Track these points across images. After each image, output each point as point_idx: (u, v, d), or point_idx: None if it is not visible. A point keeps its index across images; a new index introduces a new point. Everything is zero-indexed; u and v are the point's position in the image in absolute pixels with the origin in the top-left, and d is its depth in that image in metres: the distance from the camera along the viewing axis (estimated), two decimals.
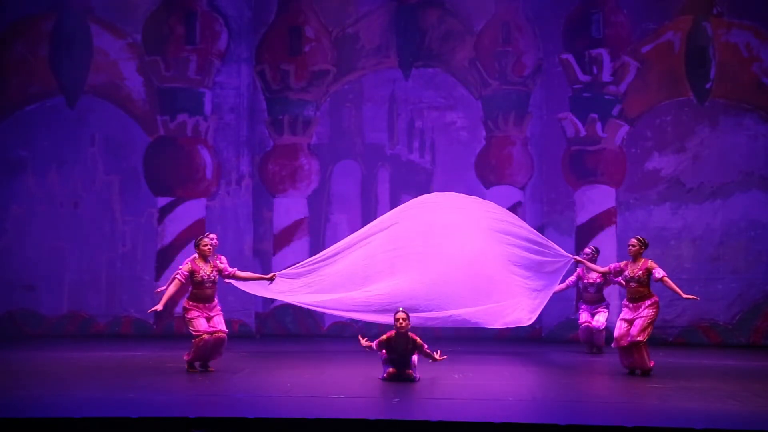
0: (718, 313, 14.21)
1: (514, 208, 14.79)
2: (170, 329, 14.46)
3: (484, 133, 15.30)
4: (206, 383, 9.47)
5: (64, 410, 7.59)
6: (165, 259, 14.72)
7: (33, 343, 13.50)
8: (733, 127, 14.41)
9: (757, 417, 7.76)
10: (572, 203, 14.73)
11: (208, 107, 14.99)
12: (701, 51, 14.48)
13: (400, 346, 9.49)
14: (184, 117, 14.89)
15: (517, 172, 15.23)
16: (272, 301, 13.88)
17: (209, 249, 10.24)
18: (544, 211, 14.93)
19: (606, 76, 14.61)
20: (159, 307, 9.96)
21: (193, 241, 10.49)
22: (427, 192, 14.83)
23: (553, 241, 12.44)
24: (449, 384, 9.42)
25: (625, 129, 14.65)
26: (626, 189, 14.58)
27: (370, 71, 15.45)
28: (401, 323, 9.40)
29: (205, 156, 14.96)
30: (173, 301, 11.23)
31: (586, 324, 12.49)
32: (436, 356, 9.69)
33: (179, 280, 10.10)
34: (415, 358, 9.58)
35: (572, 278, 12.57)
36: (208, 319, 10.10)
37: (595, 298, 12.59)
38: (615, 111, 14.62)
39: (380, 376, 9.59)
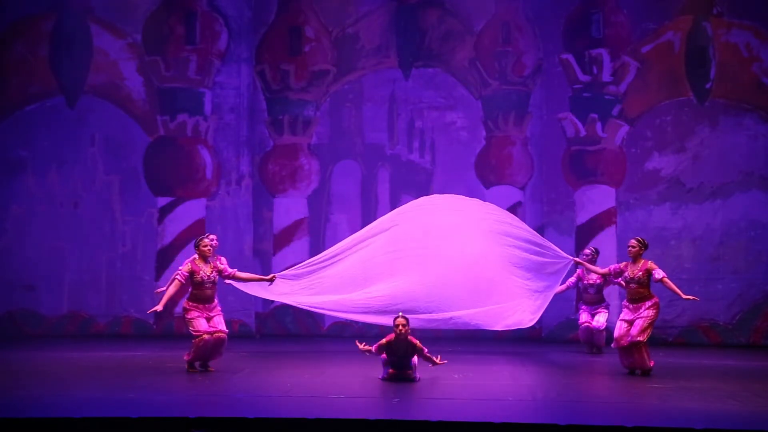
0: (718, 313, 14.21)
1: (514, 208, 14.80)
2: (170, 329, 14.47)
3: (484, 133, 15.30)
4: (206, 383, 9.47)
5: (64, 410, 7.59)
6: (165, 259, 14.72)
7: (33, 343, 13.50)
8: (733, 127, 14.41)
9: (757, 417, 7.76)
10: (572, 203, 14.73)
11: (208, 107, 14.99)
12: (701, 51, 14.48)
13: (400, 350, 9.48)
14: (184, 117, 14.89)
15: (517, 172, 15.23)
16: (272, 301, 13.88)
17: (209, 250, 10.24)
18: (544, 211, 14.93)
19: (606, 76, 14.61)
20: (159, 307, 9.96)
21: (193, 242, 10.49)
22: (427, 192, 14.86)
23: (553, 241, 12.46)
24: (449, 384, 9.42)
25: (625, 129, 14.65)
26: (626, 189, 14.58)
27: (370, 71, 15.45)
28: (401, 329, 9.39)
29: (205, 156, 14.96)
30: (173, 301, 11.23)
31: (585, 324, 12.49)
32: (437, 360, 9.69)
33: (179, 280, 10.11)
34: (415, 358, 9.57)
35: (572, 279, 12.57)
36: (208, 319, 10.11)
37: (595, 299, 12.58)
38: (615, 111, 14.62)
39: (380, 376, 9.59)
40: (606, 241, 14.36)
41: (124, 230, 14.88)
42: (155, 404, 8.12)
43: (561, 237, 14.40)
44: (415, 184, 15.20)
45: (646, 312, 10.20)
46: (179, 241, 14.70)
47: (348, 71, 15.41)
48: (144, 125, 14.97)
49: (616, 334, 10.30)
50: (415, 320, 11.06)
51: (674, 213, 14.43)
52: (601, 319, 12.42)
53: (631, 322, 10.21)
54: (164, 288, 10.35)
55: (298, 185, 15.33)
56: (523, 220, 14.35)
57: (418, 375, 9.54)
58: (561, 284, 12.10)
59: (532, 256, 11.69)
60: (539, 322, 12.11)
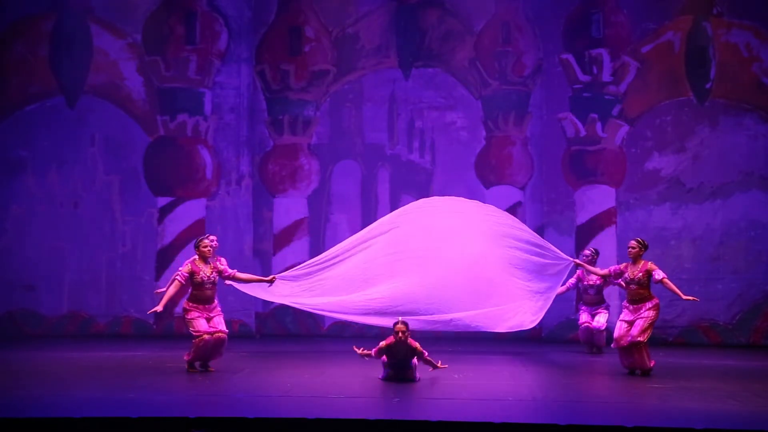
0: (718, 313, 14.21)
1: (514, 208, 14.81)
2: (170, 329, 14.46)
3: (484, 133, 15.30)
4: (206, 383, 9.47)
5: (64, 410, 7.59)
6: (165, 259, 14.73)
7: (33, 343, 13.50)
8: (733, 127, 14.41)
9: (757, 417, 7.76)
10: (572, 203, 14.73)
11: (208, 107, 14.99)
12: (701, 51, 14.48)
13: (400, 353, 9.47)
14: (184, 117, 14.89)
15: (517, 172, 15.23)
16: (272, 301, 13.88)
17: (209, 250, 10.25)
18: (544, 211, 14.93)
19: (606, 76, 14.61)
20: (159, 308, 9.97)
21: (193, 243, 10.49)
22: (427, 192, 14.88)
23: (553, 241, 12.46)
24: (449, 384, 9.42)
25: (625, 129, 14.65)
26: (626, 189, 14.58)
27: (370, 71, 15.45)
28: (401, 336, 9.38)
29: (205, 156, 14.96)
30: (173, 302, 11.23)
31: (585, 324, 12.50)
32: (438, 365, 9.69)
33: (179, 281, 10.11)
34: (415, 359, 9.57)
35: (572, 280, 12.57)
36: (208, 319, 10.11)
37: (595, 299, 12.59)
38: (615, 111, 14.62)
39: (380, 376, 9.60)
40: (606, 241, 14.37)
41: (124, 230, 14.88)
42: (155, 404, 8.12)
43: (561, 237, 14.41)
44: (415, 184, 15.21)
45: (647, 313, 10.20)
46: (179, 241, 14.70)
47: (348, 71, 15.41)
48: (144, 125, 14.97)
49: (615, 334, 10.30)
50: (416, 322, 11.07)
51: (674, 213, 14.43)
52: (601, 320, 12.42)
53: (631, 323, 10.21)
54: (164, 289, 10.37)
55: (298, 185, 15.33)
56: (523, 220, 14.38)
57: (418, 375, 9.54)
58: (561, 285, 12.10)
59: (533, 257, 11.69)
60: (539, 322, 12.11)
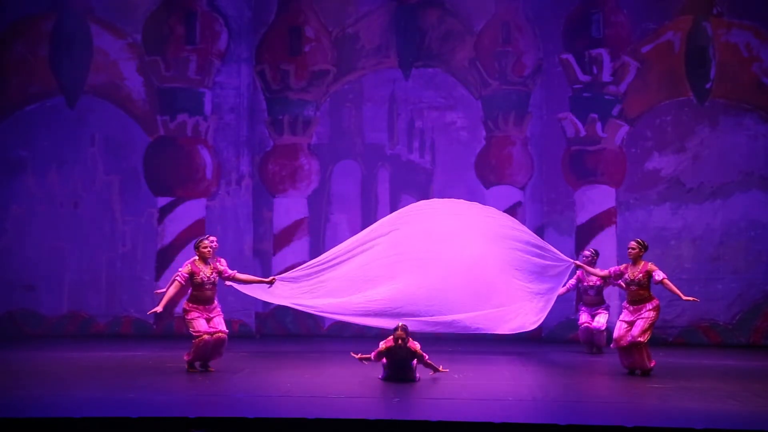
0: (718, 313, 14.21)
1: (514, 208, 14.81)
2: (170, 329, 14.46)
3: (484, 133, 15.30)
4: (206, 383, 9.47)
5: (64, 410, 7.59)
6: (165, 259, 14.72)
7: (33, 343, 13.50)
8: (733, 127, 14.41)
9: (757, 417, 7.76)
10: (572, 203, 14.72)
11: (208, 107, 14.99)
12: (701, 51, 14.48)
13: (400, 356, 9.46)
14: (184, 117, 14.89)
15: (517, 172, 15.22)
16: None
17: (209, 251, 10.25)
18: (544, 211, 14.93)
19: (606, 76, 14.61)
20: (158, 308, 9.98)
21: (193, 243, 10.49)
22: (427, 192, 14.89)
23: (553, 241, 12.47)
24: (449, 384, 9.42)
25: (625, 129, 14.65)
26: (626, 189, 14.58)
27: (370, 71, 15.45)
28: (400, 343, 9.37)
29: (205, 156, 14.96)
30: (173, 302, 11.21)
31: (585, 324, 12.50)
32: (439, 369, 9.68)
33: (179, 282, 10.12)
34: (415, 360, 9.56)
35: (572, 281, 12.55)
36: (208, 320, 10.11)
37: (595, 300, 12.59)
38: (615, 111, 14.62)
39: (380, 376, 9.60)
40: (606, 241, 14.37)
41: (124, 230, 14.88)
42: (155, 404, 8.12)
43: (561, 237, 14.41)
44: (415, 184, 15.21)
45: (647, 314, 10.19)
46: (179, 241, 14.70)
47: (348, 71, 15.41)
48: (144, 125, 14.97)
49: (615, 334, 10.29)
50: (416, 324, 11.08)
51: (674, 213, 14.43)
52: (601, 320, 12.42)
53: (631, 323, 10.20)
54: (164, 289, 10.37)
55: (298, 185, 15.32)
56: (523, 220, 14.40)
57: (418, 375, 9.54)
58: (561, 287, 12.11)
59: (533, 258, 11.70)
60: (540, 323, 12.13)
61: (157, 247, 14.83)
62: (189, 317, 10.08)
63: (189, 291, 10.23)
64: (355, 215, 15.21)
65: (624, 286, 10.60)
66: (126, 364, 10.88)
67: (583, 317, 12.58)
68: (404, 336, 9.37)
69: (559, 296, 12.32)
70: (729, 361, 11.97)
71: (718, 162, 14.36)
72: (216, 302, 10.27)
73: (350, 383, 9.46)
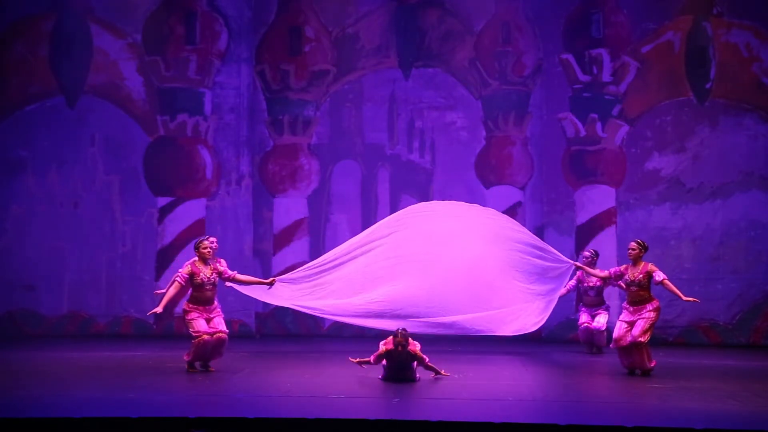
0: (718, 313, 14.21)
1: (514, 208, 14.82)
2: (170, 329, 14.46)
3: (484, 133, 15.30)
4: (206, 383, 9.47)
5: (64, 410, 7.59)
6: (165, 259, 14.72)
7: (33, 343, 13.50)
8: (733, 127, 14.41)
9: (757, 417, 7.76)
10: (572, 203, 14.72)
11: (208, 107, 14.99)
12: (701, 51, 14.47)
13: (400, 359, 9.45)
14: (184, 117, 14.90)
15: (517, 172, 15.22)
16: None
17: (209, 252, 10.25)
18: (544, 211, 14.93)
19: (606, 76, 14.61)
20: (158, 309, 9.98)
21: (193, 244, 10.49)
22: (427, 192, 14.89)
23: (553, 241, 12.48)
24: (449, 384, 9.42)
25: (625, 129, 14.65)
26: (626, 189, 14.58)
27: (370, 71, 15.45)
28: (400, 349, 9.36)
29: (205, 156, 14.96)
30: (173, 302, 11.21)
31: (585, 325, 12.50)
32: (442, 372, 9.66)
33: (179, 282, 10.12)
34: (415, 362, 9.56)
35: (572, 282, 12.54)
36: (208, 320, 10.12)
37: (595, 301, 12.58)
38: (615, 111, 14.62)
39: (380, 376, 9.59)
40: (606, 241, 14.36)
41: (124, 230, 14.88)
42: (155, 404, 8.12)
43: (561, 237, 14.41)
44: (415, 184, 15.21)
45: (648, 314, 10.18)
46: (179, 241, 14.70)
47: (348, 71, 15.41)
48: (144, 125, 14.97)
49: (615, 334, 10.29)
50: (417, 326, 11.08)
51: (674, 213, 14.43)
52: (601, 320, 12.42)
53: (631, 324, 10.19)
54: (164, 290, 10.37)
55: (298, 185, 15.32)
56: (523, 220, 14.42)
57: (418, 375, 9.53)
58: (562, 287, 12.11)
59: (534, 259, 11.71)
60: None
61: (157, 247, 14.83)
62: (189, 317, 10.08)
63: (189, 292, 10.23)
64: (355, 215, 15.21)
65: (624, 286, 10.60)
66: (126, 364, 10.89)
67: (583, 317, 12.59)
68: (404, 342, 9.36)
69: (559, 297, 12.32)
70: (729, 361, 11.97)
71: (718, 162, 14.36)
72: (216, 303, 10.27)
73: (350, 383, 9.46)
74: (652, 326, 10.20)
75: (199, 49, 14.94)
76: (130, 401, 8.17)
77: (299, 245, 15.17)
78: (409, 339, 9.44)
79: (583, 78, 14.67)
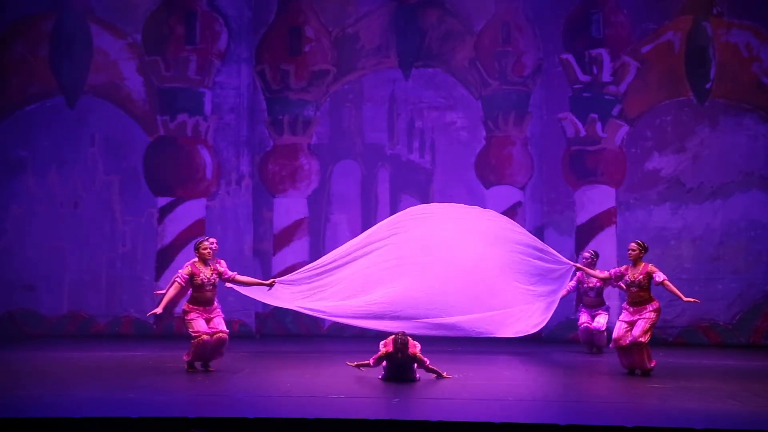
0: (718, 313, 14.20)
1: (514, 208, 14.82)
2: (170, 329, 14.46)
3: (484, 133, 15.30)
4: (206, 383, 9.47)
5: (64, 410, 7.59)
6: (165, 259, 14.72)
7: (33, 343, 13.50)
8: (733, 127, 14.41)
9: (757, 417, 7.77)
10: (572, 203, 14.72)
11: (208, 107, 14.99)
12: (701, 51, 14.47)
13: (400, 361, 9.44)
14: (184, 117, 14.90)
15: (517, 172, 15.22)
16: None
17: (209, 252, 10.26)
18: (544, 211, 14.93)
19: (606, 76, 14.61)
20: (158, 309, 9.99)
21: (193, 245, 10.49)
22: (427, 192, 14.89)
23: (553, 242, 12.48)
24: (449, 384, 9.42)
25: (625, 129, 14.65)
26: (626, 189, 14.58)
27: (370, 71, 15.45)
28: (400, 356, 9.35)
29: (205, 156, 14.96)
30: (173, 303, 11.20)
31: (585, 325, 12.50)
32: (444, 374, 9.65)
33: (179, 283, 10.12)
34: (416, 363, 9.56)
35: (572, 283, 12.53)
36: (208, 320, 10.12)
37: (595, 302, 12.58)
38: (615, 111, 14.62)
39: (380, 376, 9.59)
40: (606, 241, 14.36)
41: (124, 230, 14.88)
42: (155, 404, 8.12)
43: (561, 237, 14.41)
44: (415, 184, 15.20)
45: (648, 314, 10.18)
46: (179, 241, 14.70)
47: (348, 71, 15.41)
48: (144, 125, 14.97)
49: (615, 334, 10.29)
50: (417, 327, 11.07)
51: (674, 213, 14.42)
52: (601, 321, 12.42)
53: (631, 324, 10.19)
54: (164, 290, 10.38)
55: (298, 185, 15.32)
56: (523, 220, 14.42)
57: (418, 375, 9.53)
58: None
59: (534, 261, 11.71)
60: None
61: (157, 247, 14.83)
62: (188, 318, 10.09)
63: (189, 292, 10.24)
64: (355, 215, 15.21)
65: (624, 287, 10.60)
66: (126, 364, 10.89)
67: (583, 318, 12.59)
68: (403, 348, 9.35)
69: (560, 298, 12.32)
70: (729, 361, 11.97)
71: (718, 162, 14.36)
72: (216, 303, 10.27)
73: (350, 383, 9.46)
74: (653, 326, 10.20)
75: (199, 49, 14.94)
76: (130, 401, 8.17)
77: (299, 245, 15.17)
78: (410, 340, 9.43)
79: (583, 78, 14.67)
